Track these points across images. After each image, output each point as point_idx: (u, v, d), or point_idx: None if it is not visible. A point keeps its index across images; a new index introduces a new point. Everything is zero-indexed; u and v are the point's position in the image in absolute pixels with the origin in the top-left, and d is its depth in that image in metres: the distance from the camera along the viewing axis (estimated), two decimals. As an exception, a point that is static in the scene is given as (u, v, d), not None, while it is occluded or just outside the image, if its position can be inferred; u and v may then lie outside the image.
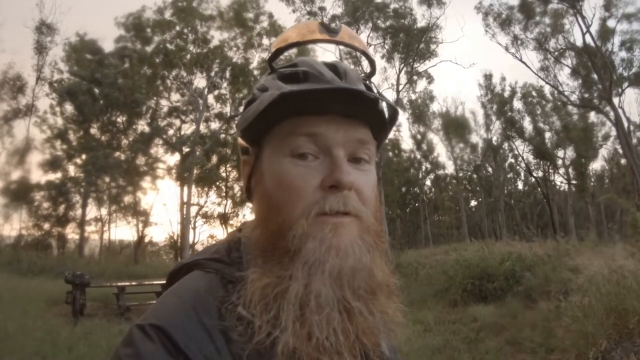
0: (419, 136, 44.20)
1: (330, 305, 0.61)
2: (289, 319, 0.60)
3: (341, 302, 0.62)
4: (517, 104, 37.85)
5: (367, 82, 0.76)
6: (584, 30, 25.56)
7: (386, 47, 24.91)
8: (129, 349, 0.57)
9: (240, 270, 0.67)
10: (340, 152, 0.67)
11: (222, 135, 30.99)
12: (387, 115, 0.74)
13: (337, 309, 0.62)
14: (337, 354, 0.62)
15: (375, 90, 0.74)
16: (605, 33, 27.83)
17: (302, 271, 0.61)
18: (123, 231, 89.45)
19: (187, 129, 30.96)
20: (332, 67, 0.71)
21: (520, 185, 52.09)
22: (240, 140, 0.78)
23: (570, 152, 36.78)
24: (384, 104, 0.73)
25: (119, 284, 11.41)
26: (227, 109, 31.24)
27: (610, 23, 28.08)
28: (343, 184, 0.64)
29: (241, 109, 0.79)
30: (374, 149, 0.73)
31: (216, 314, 0.62)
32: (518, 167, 46.07)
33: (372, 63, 0.78)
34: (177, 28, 27.43)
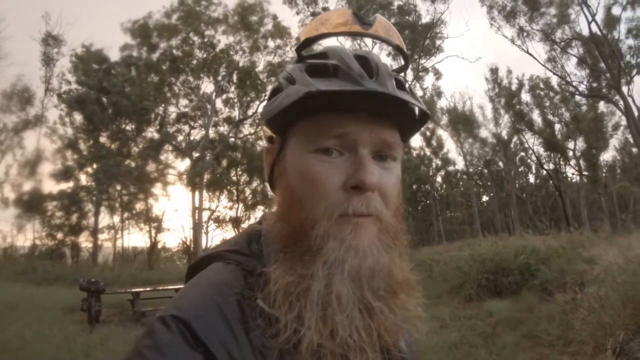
0: (428, 133, 44.14)
1: (351, 305, 0.62)
2: (312, 318, 0.61)
3: (362, 301, 0.63)
4: (525, 97, 37.69)
5: (399, 77, 0.72)
6: (589, 19, 25.35)
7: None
8: (148, 339, 0.58)
9: (260, 263, 0.67)
10: (365, 150, 0.66)
11: (232, 139, 31.08)
12: (416, 115, 0.72)
13: (358, 308, 0.63)
14: (360, 351, 0.63)
15: (407, 86, 0.71)
16: (611, 21, 27.55)
17: (323, 270, 0.62)
18: (136, 238, 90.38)
19: (197, 134, 31.24)
20: (363, 60, 0.68)
21: (531, 179, 51.67)
22: (265, 128, 0.77)
23: (580, 143, 36.49)
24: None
25: (134, 290, 11.45)
26: (236, 113, 31.42)
27: (615, 10, 27.86)
28: (367, 185, 0.64)
29: (262, 104, 0.77)
30: (401, 149, 0.72)
31: (236, 306, 0.62)
32: (529, 161, 45.80)
33: (405, 58, 0.76)
34: (183, 33, 27.52)
